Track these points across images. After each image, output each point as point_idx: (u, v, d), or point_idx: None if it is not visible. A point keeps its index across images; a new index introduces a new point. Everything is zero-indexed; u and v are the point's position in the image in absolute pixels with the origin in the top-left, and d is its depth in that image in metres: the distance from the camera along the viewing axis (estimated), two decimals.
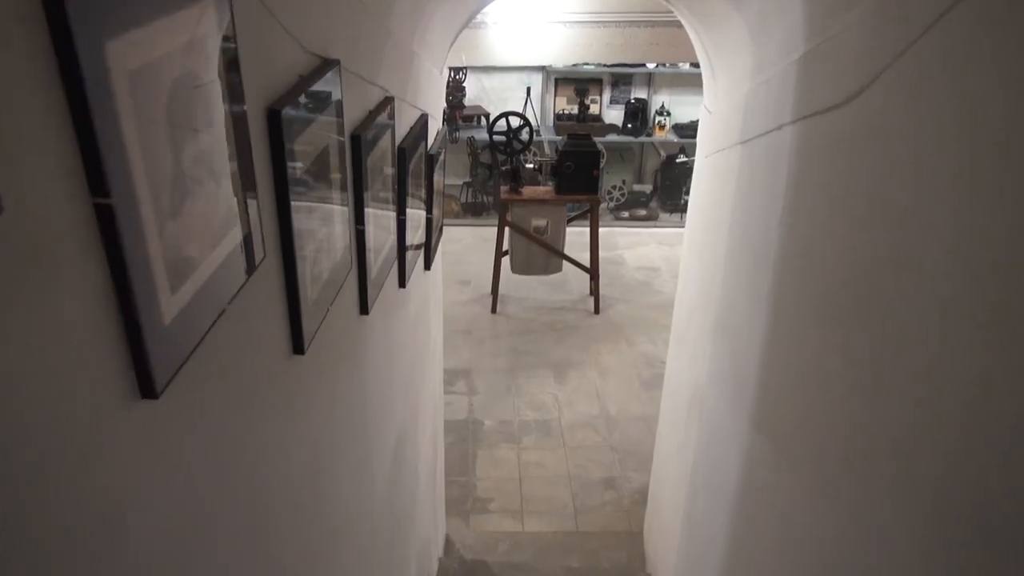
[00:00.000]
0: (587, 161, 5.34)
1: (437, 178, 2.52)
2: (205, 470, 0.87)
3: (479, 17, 4.11)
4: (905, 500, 1.14)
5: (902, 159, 1.16)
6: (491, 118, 5.44)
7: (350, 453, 1.63)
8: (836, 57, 1.38)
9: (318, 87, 1.18)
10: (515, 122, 5.39)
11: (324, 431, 1.40)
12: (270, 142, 1.01)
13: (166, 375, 0.73)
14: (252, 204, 0.93)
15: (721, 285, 2.22)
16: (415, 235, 2.20)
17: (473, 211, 7.41)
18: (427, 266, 2.55)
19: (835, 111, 1.36)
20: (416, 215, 2.19)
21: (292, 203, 1.07)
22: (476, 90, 7.41)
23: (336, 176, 1.31)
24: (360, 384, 1.67)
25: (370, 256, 1.62)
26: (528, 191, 5.54)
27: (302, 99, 1.10)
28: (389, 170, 1.79)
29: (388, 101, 1.70)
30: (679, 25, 4.31)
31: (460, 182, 7.56)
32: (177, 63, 0.73)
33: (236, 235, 0.89)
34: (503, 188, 5.54)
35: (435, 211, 2.56)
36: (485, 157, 7.28)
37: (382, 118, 1.64)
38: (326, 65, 1.22)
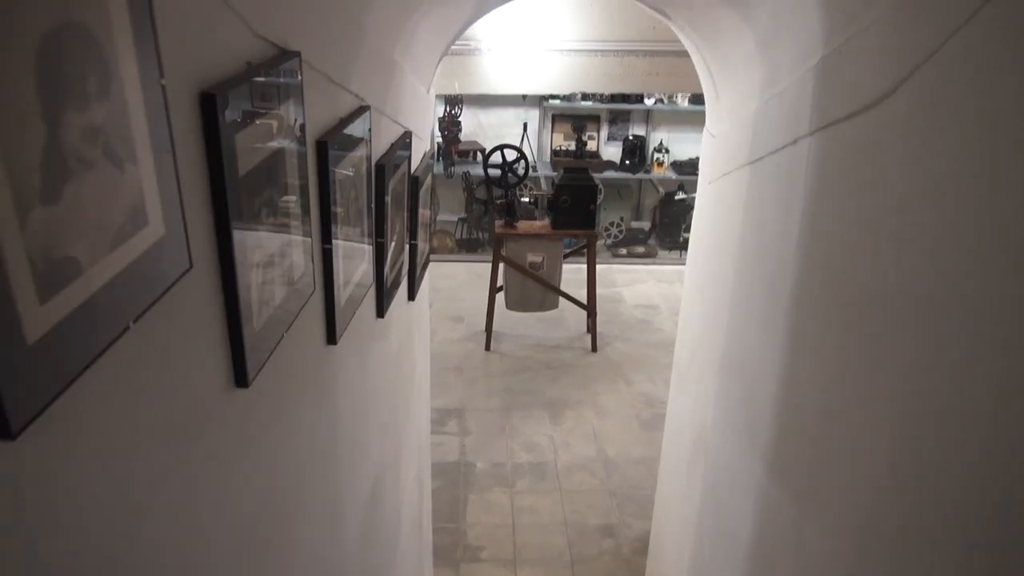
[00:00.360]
0: (584, 195, 5.21)
1: (423, 204, 2.37)
2: (98, 533, 0.69)
3: (472, 44, 4.01)
4: (955, 559, 0.96)
5: (940, 164, 1.00)
6: (486, 152, 5.32)
7: (316, 497, 1.45)
8: (861, 57, 1.24)
9: (271, 79, 1.02)
10: (510, 155, 5.28)
11: (281, 474, 1.22)
12: (204, 131, 0.85)
13: (28, 411, 0.56)
14: (173, 201, 0.77)
15: (728, 319, 2.06)
16: (396, 261, 2.04)
17: (468, 247, 7.28)
18: (411, 296, 2.38)
19: (861, 116, 1.21)
20: (397, 240, 2.03)
21: (231, 206, 0.90)
22: (472, 125, 7.32)
23: (294, 183, 1.15)
24: (328, 421, 1.49)
25: (339, 280, 1.45)
26: (523, 226, 5.40)
27: (249, 89, 0.95)
28: (364, 187, 1.64)
29: (363, 110, 1.55)
30: (678, 54, 4.24)
31: (455, 218, 7.44)
32: (55, 2, 0.57)
33: (149, 236, 0.73)
34: (498, 222, 5.40)
35: (420, 239, 2.40)
36: (480, 193, 7.17)
37: (356, 128, 1.49)
38: (283, 56, 1.07)
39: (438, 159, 7.30)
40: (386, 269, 1.89)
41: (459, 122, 7.00)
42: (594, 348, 5.59)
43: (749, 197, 1.89)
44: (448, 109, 6.97)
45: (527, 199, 5.36)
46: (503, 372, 5.30)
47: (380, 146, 1.76)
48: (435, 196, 7.53)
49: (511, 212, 5.29)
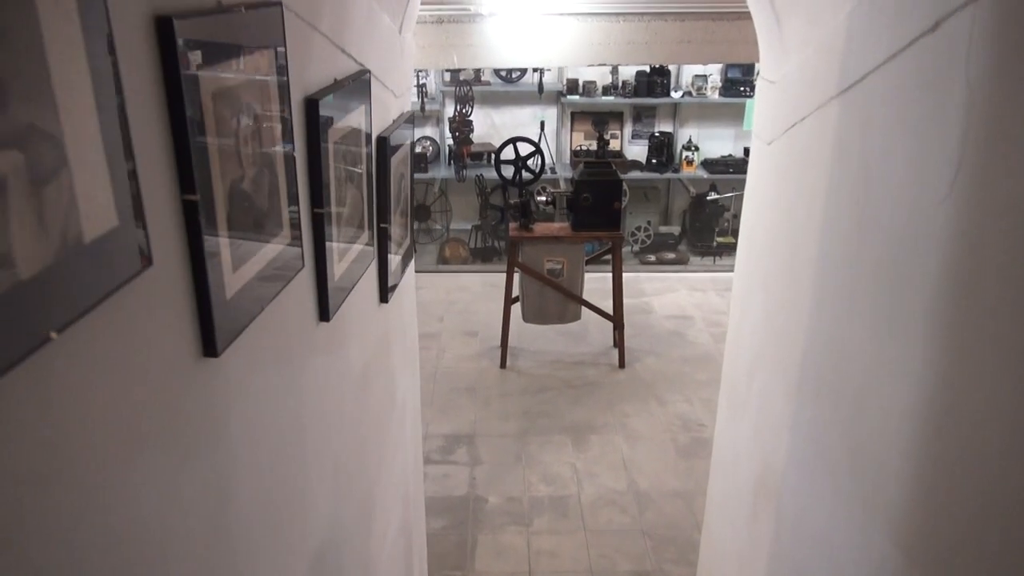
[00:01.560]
0: (607, 192, 4.66)
1: (397, 178, 1.83)
2: None
3: (472, 8, 3.47)
4: None
5: None
6: (498, 147, 4.80)
7: None
8: None
9: None
10: (524, 149, 4.74)
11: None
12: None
13: None
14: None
15: (810, 323, 1.49)
16: (350, 247, 1.49)
17: (483, 256, 6.74)
18: (383, 297, 1.84)
19: None
20: (352, 216, 1.48)
21: None
22: (485, 126, 6.82)
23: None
24: (213, 476, 0.94)
25: (220, 264, 0.91)
26: (540, 228, 4.85)
27: None
28: (280, 133, 1.10)
29: (274, 9, 1.01)
30: (714, 16, 3.71)
31: (469, 225, 6.91)
32: None
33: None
34: (512, 225, 4.86)
35: (395, 223, 1.86)
36: (496, 198, 6.64)
37: (248, 31, 0.95)
38: None
39: (449, 163, 6.79)
40: (329, 255, 1.35)
41: (470, 122, 6.50)
42: (622, 364, 5.00)
43: (842, 143, 1.32)
44: (458, 108, 6.47)
45: (544, 198, 4.81)
46: (520, 392, 4.74)
47: (309, 76, 1.22)
48: (447, 203, 7.02)
49: (526, 213, 4.75)
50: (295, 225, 1.19)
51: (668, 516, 3.64)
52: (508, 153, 4.72)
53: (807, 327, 1.51)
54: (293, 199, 1.18)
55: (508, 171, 4.81)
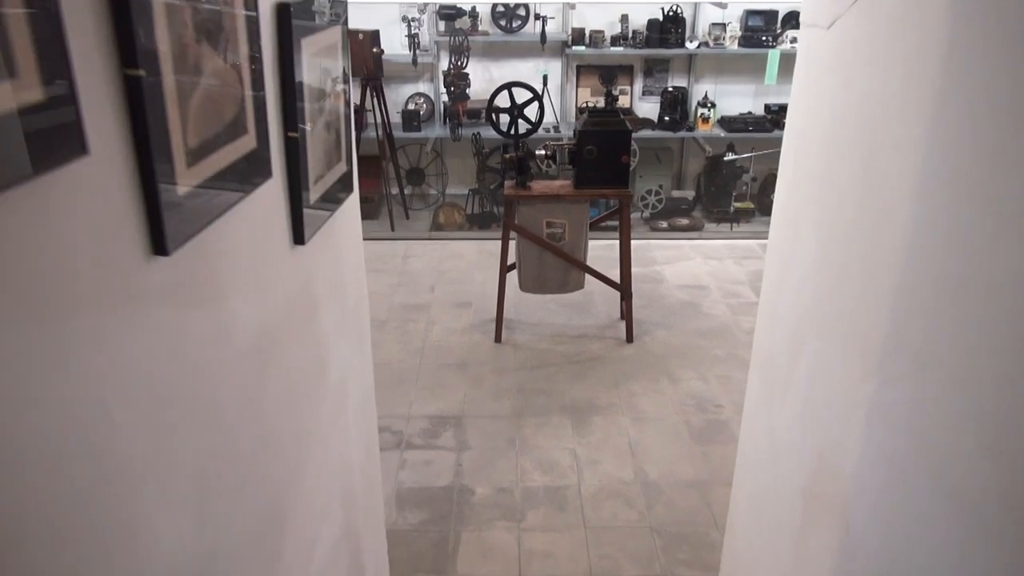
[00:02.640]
0: (614, 144, 4.14)
1: (311, 68, 1.33)
2: None
3: None
4: None
5: None
6: (492, 93, 4.27)
7: None
8: None
9: None
10: (522, 97, 4.22)
11: None
12: None
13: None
14: None
15: (908, 260, 0.98)
16: (216, 153, 0.99)
17: (480, 223, 6.24)
18: (297, 237, 1.35)
19: None
20: (214, 107, 0.99)
21: None
22: (483, 81, 6.28)
23: None
24: None
25: None
26: (539, 186, 4.34)
27: None
28: None
29: None
30: None
31: (465, 190, 6.40)
32: None
33: None
34: (507, 183, 4.35)
35: (314, 136, 1.36)
36: (495, 160, 6.13)
37: None
38: None
39: (444, 121, 6.27)
40: (173, 155, 0.85)
41: (466, 75, 5.96)
42: (629, 338, 4.51)
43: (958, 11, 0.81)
44: (452, 60, 5.93)
45: (544, 152, 4.30)
46: (516, 368, 4.26)
47: None
48: (443, 165, 6.51)
49: (523, 169, 4.24)
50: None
51: (681, 510, 3.16)
52: (503, 101, 4.20)
53: (891, 284, 1.01)
54: None
55: (504, 123, 4.29)
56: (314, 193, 1.40)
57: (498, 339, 4.53)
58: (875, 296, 1.12)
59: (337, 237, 1.61)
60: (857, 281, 1.20)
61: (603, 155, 4.14)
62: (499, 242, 4.42)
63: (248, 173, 1.11)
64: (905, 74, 1.05)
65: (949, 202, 0.95)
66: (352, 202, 1.74)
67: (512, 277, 4.54)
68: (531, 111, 4.25)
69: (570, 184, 4.32)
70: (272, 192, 1.23)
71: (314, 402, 1.49)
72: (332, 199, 1.53)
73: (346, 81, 1.56)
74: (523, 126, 4.28)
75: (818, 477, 1.36)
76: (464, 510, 3.17)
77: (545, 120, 6.18)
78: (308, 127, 1.33)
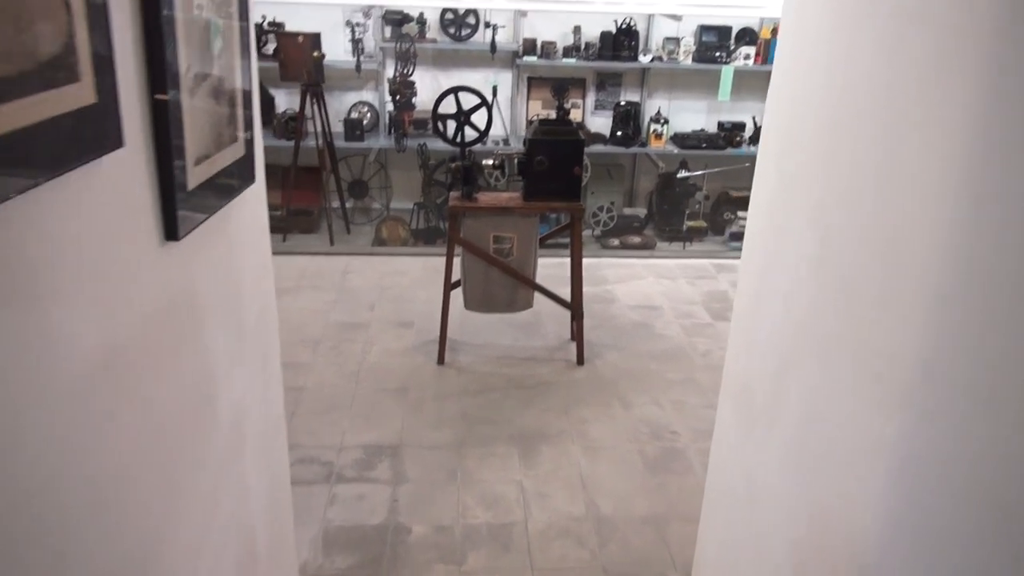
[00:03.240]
0: (566, 154, 3.91)
1: (190, 12, 1.04)
2: None
3: None
4: None
5: None
6: (437, 97, 4.01)
7: None
8: None
9: None
10: (468, 102, 3.97)
11: None
12: None
13: None
14: None
15: (936, 280, 0.74)
16: (26, 92, 0.70)
17: (425, 238, 5.95)
18: (170, 231, 1.05)
19: None
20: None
21: None
22: (430, 90, 6.02)
23: None
24: None
25: None
26: (486, 198, 4.08)
27: None
28: None
29: None
30: None
31: (411, 204, 6.11)
32: None
33: None
34: (452, 195, 4.08)
35: (193, 92, 1.07)
36: (441, 173, 5.86)
37: None
38: None
39: (389, 132, 5.99)
40: None
41: (413, 83, 5.70)
42: (580, 360, 4.27)
43: None
44: (399, 68, 5.66)
45: (491, 161, 4.04)
46: (459, 393, 3.96)
47: None
48: (387, 177, 6.22)
49: (469, 179, 3.98)
50: None
51: (636, 549, 2.90)
52: (450, 107, 3.94)
53: (938, 272, 0.77)
54: None
55: (451, 130, 4.03)
56: (195, 177, 1.10)
57: (441, 361, 4.23)
58: (901, 306, 0.88)
59: (231, 236, 1.32)
60: (873, 288, 0.96)
61: (554, 166, 3.91)
62: (445, 258, 4.14)
63: (81, 137, 0.82)
64: (945, 31, 0.82)
65: (1007, 190, 0.71)
66: (255, 195, 1.44)
67: (457, 295, 4.26)
68: (480, 119, 4.01)
69: (519, 196, 4.07)
70: (126, 168, 0.94)
71: (194, 446, 1.18)
72: (223, 188, 1.23)
73: (244, 18, 1.27)
74: (471, 134, 4.02)
75: (817, 529, 1.11)
76: (399, 551, 2.86)
77: (495, 133, 5.96)
78: (185, 90, 1.03)
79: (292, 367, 4.13)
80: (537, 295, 4.23)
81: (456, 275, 4.19)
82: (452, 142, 4.02)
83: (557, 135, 3.93)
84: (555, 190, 3.97)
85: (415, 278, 5.37)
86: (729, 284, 5.43)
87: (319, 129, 5.59)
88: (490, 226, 4.02)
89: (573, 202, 4.01)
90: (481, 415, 3.76)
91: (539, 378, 4.13)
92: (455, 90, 3.95)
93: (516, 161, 4.01)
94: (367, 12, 5.88)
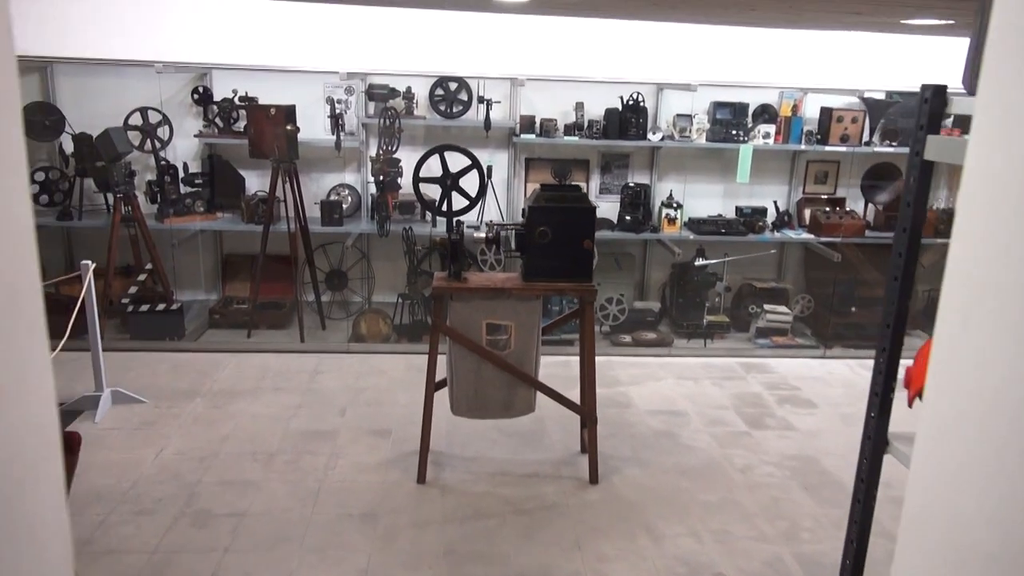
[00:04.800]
0: (574, 225, 3.25)
1: None
2: None
3: None
4: None
5: None
6: (420, 158, 3.39)
7: None
8: None
9: None
10: (456, 163, 3.35)
11: None
12: None
13: None
14: None
15: None
16: None
17: (409, 334, 5.22)
18: None
19: None
20: None
21: None
22: None
23: None
24: None
25: None
26: (478, 277, 3.39)
27: None
28: None
29: None
30: None
31: (394, 296, 5.41)
32: None
33: None
34: (437, 275, 3.39)
35: None
36: (429, 264, 5.21)
37: None
38: None
39: (372, 216, 5.37)
40: None
41: (397, 161, 5.12)
42: (594, 478, 3.46)
43: None
44: (383, 145, 5.10)
45: (483, 234, 3.37)
46: (443, 520, 3.13)
47: None
48: (369, 267, 5.56)
49: (457, 255, 3.30)
50: None
51: None
52: (434, 169, 3.32)
53: None
54: None
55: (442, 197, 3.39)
56: None
57: (421, 479, 3.42)
58: None
59: None
60: None
61: (560, 239, 3.25)
62: (428, 352, 3.40)
63: None
64: None
65: None
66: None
67: (442, 397, 3.49)
68: (470, 185, 3.38)
69: (517, 276, 3.38)
70: None
71: None
72: None
73: None
74: (460, 202, 3.38)
75: None
76: None
77: (489, 215, 5.35)
78: None
79: (234, 486, 3.32)
80: (540, 397, 3.47)
81: (441, 372, 3.44)
82: (437, 211, 3.37)
83: (563, 202, 3.28)
84: (561, 268, 3.29)
85: (395, 379, 4.60)
86: (762, 385, 4.67)
87: (292, 213, 4.97)
88: (482, 312, 3.31)
89: (583, 282, 3.31)
90: (471, 550, 2.92)
91: (544, 500, 3.30)
92: (440, 149, 3.34)
93: (514, 234, 3.34)
94: (349, 89, 5.39)
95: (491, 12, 4.79)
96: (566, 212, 3.26)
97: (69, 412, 3.98)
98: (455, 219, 3.36)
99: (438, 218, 4.79)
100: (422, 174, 3.40)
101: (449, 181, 3.32)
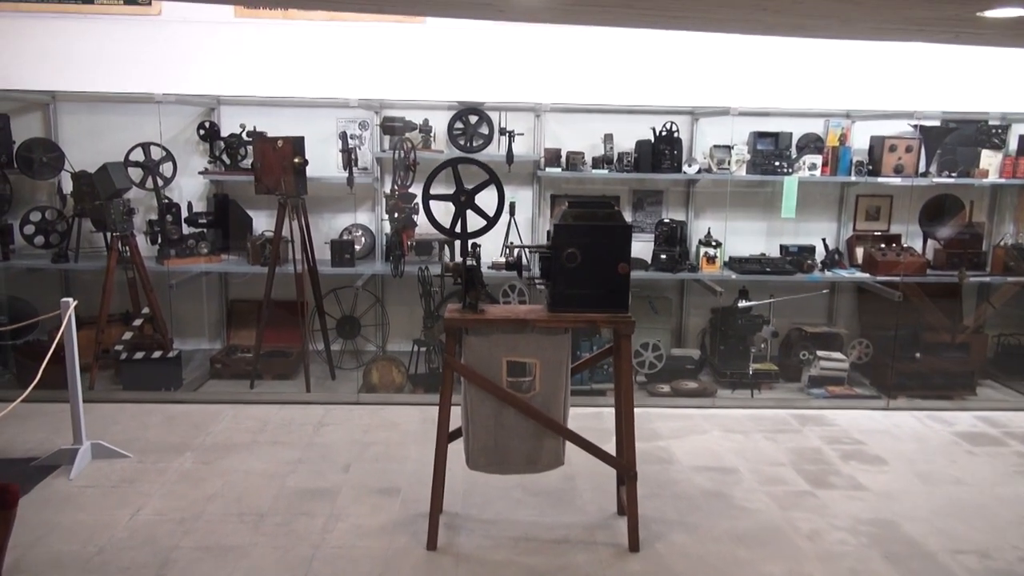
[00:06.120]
0: (607, 246, 2.83)
1: None
2: None
3: None
4: None
5: None
6: (430, 173, 3.01)
7: None
8: None
9: None
10: (471, 177, 2.96)
11: None
12: None
13: None
14: None
15: None
16: None
17: (425, 384, 4.77)
18: None
19: None
20: None
21: None
22: (435, 205, 5.08)
23: None
24: None
25: None
26: (497, 309, 2.96)
27: None
28: None
29: None
30: None
31: (410, 343, 4.99)
32: None
33: None
34: (450, 307, 2.97)
35: None
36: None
37: None
38: None
39: (386, 257, 4.99)
40: None
41: (413, 197, 4.76)
42: (634, 545, 2.94)
43: None
44: (397, 180, 4.76)
45: (503, 258, 2.95)
46: None
47: None
48: (384, 313, 5.17)
49: (472, 283, 2.87)
50: None
51: None
52: (446, 185, 2.94)
53: None
54: None
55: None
56: None
57: (432, 545, 2.92)
58: None
59: None
60: None
61: (590, 263, 2.82)
62: (440, 396, 2.94)
63: None
64: None
65: None
66: None
67: (458, 449, 3.02)
68: (488, 203, 2.99)
69: (542, 308, 2.95)
70: None
71: None
72: None
73: None
74: (476, 222, 2.98)
75: None
76: None
77: (513, 255, 4.94)
78: None
79: (214, 553, 2.85)
80: (570, 449, 2.98)
81: (456, 421, 2.97)
82: (450, 233, 2.96)
83: (593, 220, 2.87)
84: (592, 297, 2.85)
85: (408, 432, 4.14)
86: (821, 440, 4.12)
87: (298, 255, 4.60)
88: (502, 348, 2.86)
89: (619, 313, 2.86)
90: None
91: (575, 572, 2.78)
92: (454, 162, 2.96)
93: (538, 258, 2.92)
94: (363, 124, 5.09)
95: (503, 20, 4.46)
96: (597, 232, 2.84)
97: (43, 467, 3.56)
98: (470, 242, 2.95)
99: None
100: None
101: (463, 197, 2.93)
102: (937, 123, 5.06)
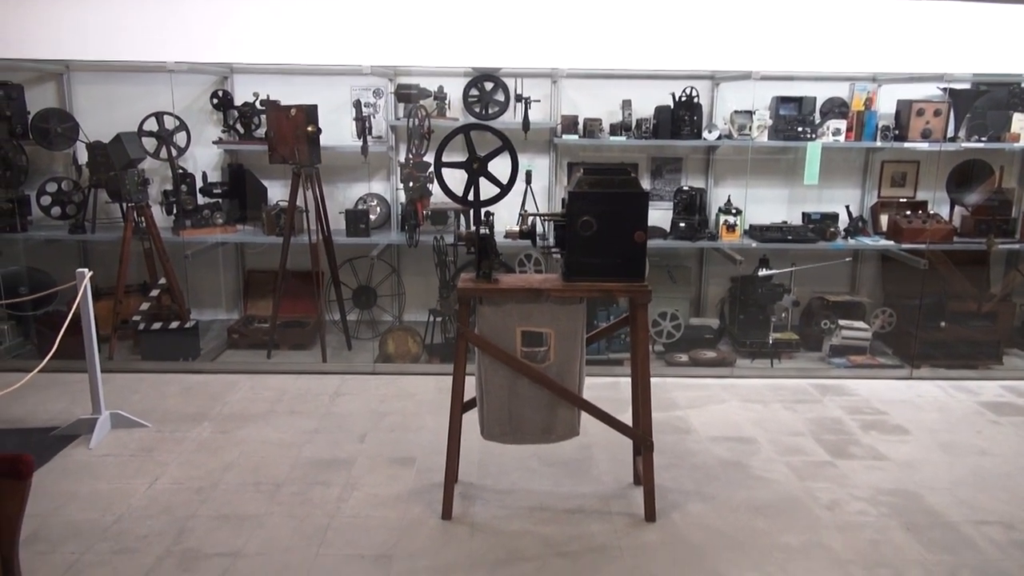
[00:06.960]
0: (623, 213, 2.76)
1: None
2: None
3: None
4: None
5: None
6: (443, 138, 2.95)
7: None
8: None
9: None
10: (484, 143, 2.90)
11: None
12: None
13: None
14: None
15: None
16: None
17: (441, 354, 4.75)
18: None
19: None
20: None
21: None
22: (450, 174, 5.02)
23: None
24: None
25: None
26: (511, 278, 2.92)
27: None
28: None
29: None
30: None
31: (426, 313, 4.97)
32: None
33: None
34: (464, 276, 2.93)
35: None
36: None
37: None
38: None
39: (401, 227, 4.96)
40: None
41: (427, 165, 4.71)
42: (650, 515, 2.91)
43: None
44: (412, 149, 4.70)
45: (518, 226, 2.91)
46: (471, 565, 2.62)
47: None
48: (399, 283, 5.14)
49: (486, 252, 2.83)
50: None
51: None
52: (457, 153, 2.88)
53: None
54: None
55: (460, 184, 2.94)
56: None
57: (447, 515, 2.92)
58: None
59: None
60: None
61: (606, 231, 2.76)
62: (453, 366, 2.91)
63: None
64: None
65: None
66: None
67: (473, 419, 3.00)
68: (501, 170, 2.93)
69: (556, 277, 2.90)
70: None
71: None
72: None
73: None
74: (489, 190, 2.92)
75: None
76: None
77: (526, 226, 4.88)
78: None
79: (231, 522, 2.86)
80: (586, 419, 2.95)
81: (470, 391, 2.95)
82: (463, 201, 2.91)
83: (610, 187, 2.80)
84: (608, 266, 2.80)
85: (424, 401, 4.13)
86: (842, 409, 4.07)
87: (313, 225, 4.57)
88: (516, 318, 2.82)
89: (634, 282, 2.81)
90: None
91: (591, 542, 2.77)
92: (466, 128, 2.90)
93: (552, 226, 2.87)
94: (377, 92, 5.02)
95: None
96: (613, 199, 2.77)
97: (63, 437, 3.59)
98: (484, 210, 2.90)
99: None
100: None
101: (476, 165, 2.87)
102: (967, 86, 4.91)
